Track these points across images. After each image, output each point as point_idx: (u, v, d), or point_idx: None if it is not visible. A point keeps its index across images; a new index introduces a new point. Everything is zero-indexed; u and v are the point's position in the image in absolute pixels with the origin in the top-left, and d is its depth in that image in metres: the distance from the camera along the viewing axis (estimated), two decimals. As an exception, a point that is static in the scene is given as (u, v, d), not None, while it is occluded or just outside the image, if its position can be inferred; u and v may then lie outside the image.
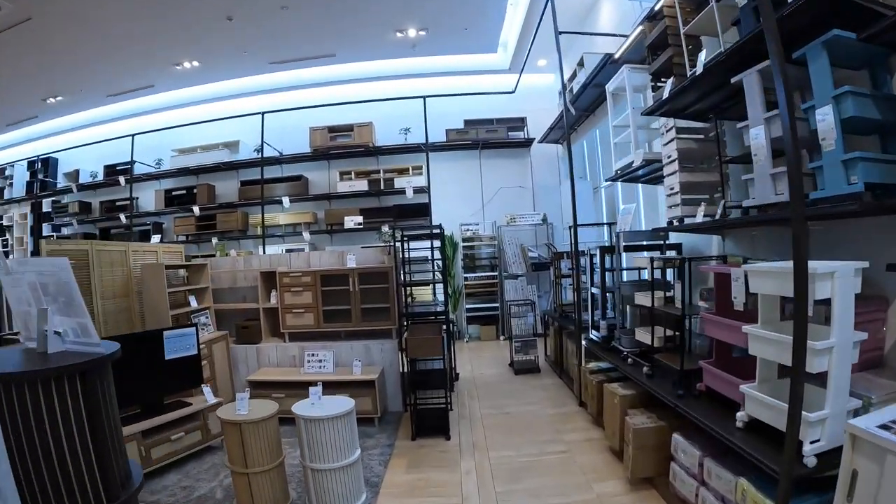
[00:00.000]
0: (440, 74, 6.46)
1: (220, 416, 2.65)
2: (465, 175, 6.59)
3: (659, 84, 2.76)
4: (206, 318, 4.48)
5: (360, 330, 4.18)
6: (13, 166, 8.42)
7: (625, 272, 3.44)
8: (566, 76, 4.42)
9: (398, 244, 4.17)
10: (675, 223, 2.62)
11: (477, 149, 6.51)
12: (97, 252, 3.78)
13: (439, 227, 3.97)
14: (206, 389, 3.58)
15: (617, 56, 3.54)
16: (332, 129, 6.21)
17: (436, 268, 4.45)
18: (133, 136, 7.02)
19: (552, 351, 4.94)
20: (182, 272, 4.64)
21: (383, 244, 4.55)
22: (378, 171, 6.21)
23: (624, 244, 3.25)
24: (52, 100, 6.89)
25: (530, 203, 6.55)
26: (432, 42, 5.85)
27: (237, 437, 2.53)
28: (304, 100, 6.52)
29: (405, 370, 3.86)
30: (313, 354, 4.09)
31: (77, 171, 7.75)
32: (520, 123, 6.42)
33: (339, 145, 6.23)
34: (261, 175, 6.28)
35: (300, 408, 2.57)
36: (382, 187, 6.18)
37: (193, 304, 4.38)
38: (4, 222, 8.74)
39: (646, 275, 3.02)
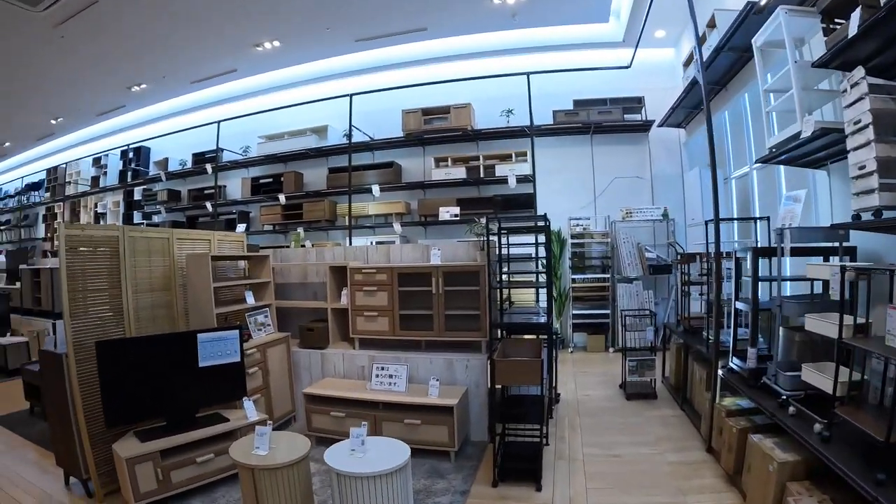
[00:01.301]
0: (545, 49, 6.84)
1: (234, 455, 2.60)
2: (574, 163, 6.89)
3: (832, 26, 2.55)
4: (266, 316, 4.67)
5: (442, 341, 4.16)
6: (107, 156, 10.22)
7: (787, 283, 3.13)
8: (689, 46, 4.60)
9: (494, 238, 4.12)
10: (870, 216, 2.22)
11: (588, 133, 6.80)
12: (130, 238, 3.90)
13: (544, 217, 3.91)
14: (248, 403, 3.65)
15: (764, 1, 3.45)
16: (426, 112, 6.88)
17: (539, 267, 4.51)
18: (218, 122, 8.32)
19: (672, 373, 4.91)
20: (242, 264, 4.95)
21: (476, 237, 4.50)
22: (477, 158, 6.76)
23: (791, 245, 2.85)
24: (136, 88, 8.36)
25: (648, 195, 6.74)
26: (534, 10, 6.18)
27: (250, 486, 2.42)
28: (395, 80, 7.27)
29: (493, 394, 3.66)
30: (383, 368, 4.13)
31: (166, 160, 9.28)
32: (636, 104, 6.64)
33: (435, 129, 6.87)
34: (348, 161, 7.13)
35: (336, 456, 2.47)
36: (482, 175, 6.69)
37: (250, 300, 4.60)
38: (99, 210, 10.62)
39: (818, 288, 2.76)
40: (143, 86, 8.26)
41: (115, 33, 6.41)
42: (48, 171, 12.06)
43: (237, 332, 3.73)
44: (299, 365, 4.64)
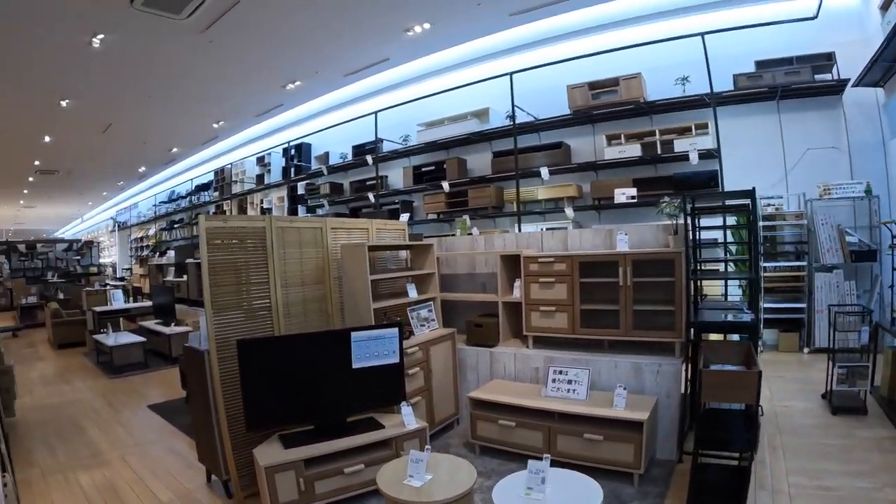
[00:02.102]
0: (719, 5, 6.90)
1: (382, 484, 2.68)
2: (759, 133, 6.77)
3: None
4: (430, 311, 4.80)
5: (628, 341, 4.12)
6: (270, 154, 11.98)
7: None
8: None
9: (687, 220, 3.91)
10: None
11: (773, 98, 6.64)
12: (278, 230, 4.06)
13: (750, 192, 3.75)
14: (406, 409, 3.70)
15: None
16: (593, 86, 7.21)
17: (728, 254, 4.53)
18: (376, 113, 9.50)
19: (884, 383, 4.60)
20: (404, 254, 5.14)
21: (668, 219, 4.26)
22: (653, 133, 6.92)
23: None
24: (291, 85, 9.71)
25: (846, 169, 6.42)
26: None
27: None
28: (556, 55, 7.77)
29: (688, 409, 3.57)
30: (561, 371, 4.07)
31: (327, 154, 10.73)
32: (826, 62, 6.31)
33: (603, 104, 7.16)
34: (514, 144, 7.82)
35: (508, 495, 2.46)
36: (659, 152, 6.82)
37: (412, 293, 4.70)
38: (265, 205, 12.50)
39: None
40: (298, 83, 9.56)
41: (262, 32, 7.34)
42: (216, 172, 14.35)
43: (396, 330, 3.82)
44: (465, 364, 4.75)
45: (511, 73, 7.80)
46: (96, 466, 4.82)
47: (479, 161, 8.76)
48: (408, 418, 3.67)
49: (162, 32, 7.06)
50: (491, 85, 8.19)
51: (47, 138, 12.50)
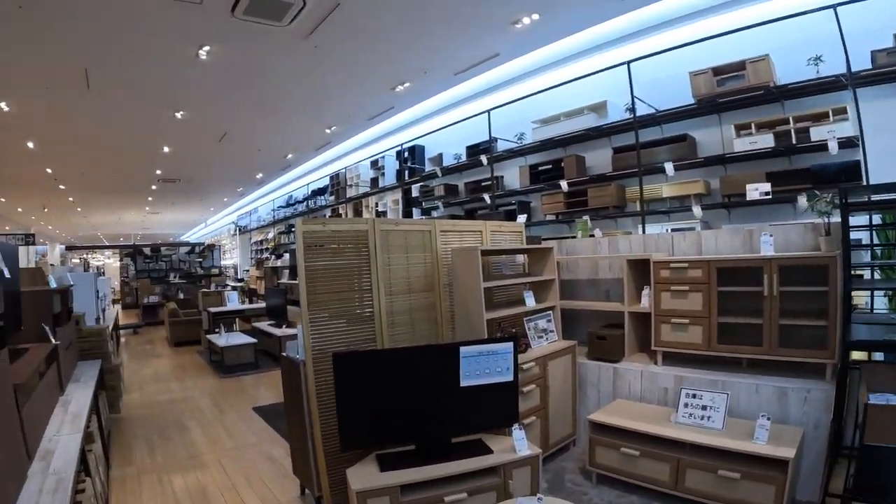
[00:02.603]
0: None
1: None
2: None
3: None
4: (549, 321, 4.80)
5: (772, 360, 3.90)
6: (384, 157, 12.76)
7: None
8: None
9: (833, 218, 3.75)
10: None
11: None
12: (382, 233, 4.09)
13: None
14: (518, 434, 3.59)
15: None
16: (717, 72, 7.09)
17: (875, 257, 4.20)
18: (489, 111, 9.90)
19: None
20: (521, 259, 5.17)
21: (819, 216, 4.00)
22: (786, 121, 6.71)
23: None
24: (400, 87, 10.22)
25: None
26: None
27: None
28: (675, 39, 7.72)
29: (847, 449, 3.26)
30: (695, 395, 3.92)
31: (440, 155, 11.28)
32: None
33: (729, 91, 7.02)
34: (635, 138, 7.88)
35: None
36: (794, 142, 6.59)
37: (530, 302, 4.69)
38: (379, 208, 13.31)
39: None
40: (407, 84, 10.06)
41: (366, 34, 7.77)
42: (331, 176, 15.41)
43: (511, 345, 3.73)
44: (585, 380, 4.73)
45: (628, 62, 7.84)
46: (191, 469, 5.29)
47: (599, 158, 8.90)
48: (519, 443, 3.53)
49: (266, 40, 7.69)
50: (607, 76, 8.29)
51: (166, 149, 13.99)
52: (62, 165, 15.60)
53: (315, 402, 3.74)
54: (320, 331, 3.84)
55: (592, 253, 5.43)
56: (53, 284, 5.05)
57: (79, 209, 25.81)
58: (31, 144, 12.87)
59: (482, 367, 3.65)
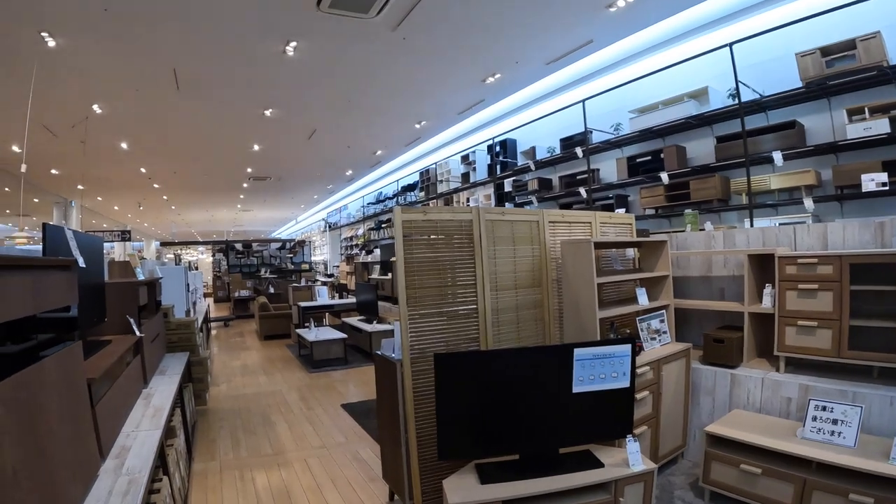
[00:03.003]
0: None
1: None
2: None
3: None
4: (662, 321, 4.66)
5: None
6: (474, 152, 13.08)
7: None
8: None
9: None
10: None
11: None
12: (488, 223, 3.96)
13: None
14: (633, 446, 3.39)
15: None
16: (825, 52, 6.87)
17: None
18: (583, 101, 9.98)
19: None
20: (631, 253, 5.12)
21: None
22: None
23: None
24: (491, 79, 10.41)
25: None
26: None
27: None
28: (780, 17, 7.56)
29: None
30: (825, 408, 3.67)
31: (533, 149, 11.47)
32: None
33: (839, 72, 6.77)
34: (741, 126, 7.74)
35: None
36: None
37: (642, 300, 4.59)
38: (471, 203, 13.65)
39: None
40: (498, 76, 10.24)
41: (454, 25, 7.95)
42: (421, 172, 15.85)
43: (629, 348, 3.52)
44: (699, 387, 4.54)
45: (730, 44, 7.72)
46: (275, 467, 5.35)
47: (700, 148, 8.82)
48: (633, 457, 3.33)
49: (353, 34, 8.01)
50: (708, 60, 8.21)
51: (256, 147, 14.81)
52: (155, 165, 16.78)
53: (411, 405, 3.63)
54: (419, 328, 3.74)
55: (706, 247, 5.25)
56: (141, 276, 5.38)
57: (173, 207, 27.56)
58: (124, 145, 13.95)
59: (597, 371, 3.46)
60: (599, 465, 3.37)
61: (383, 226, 19.37)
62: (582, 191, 10.26)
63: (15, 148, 12.01)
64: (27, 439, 1.77)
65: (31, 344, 2.17)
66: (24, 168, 9.67)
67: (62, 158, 14.92)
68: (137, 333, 4.24)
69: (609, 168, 10.20)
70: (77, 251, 2.93)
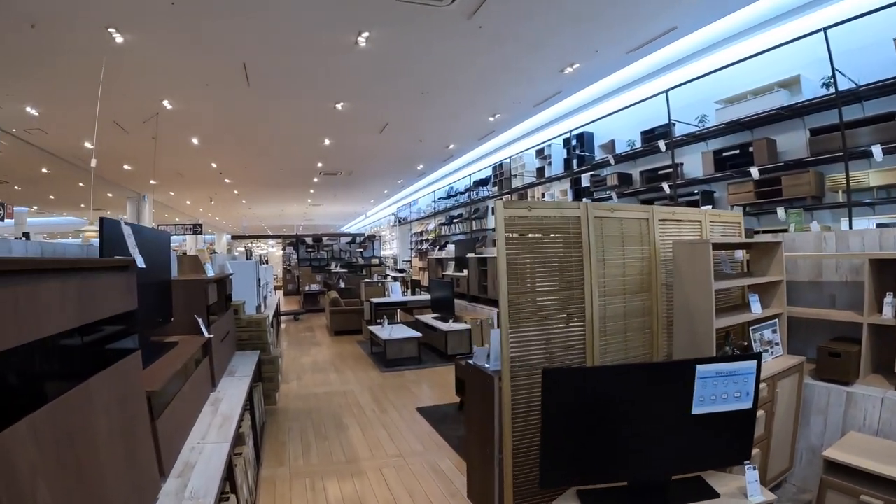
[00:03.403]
0: None
1: None
2: None
3: None
4: (775, 331, 4.44)
5: None
6: (550, 145, 13.06)
7: None
8: None
9: None
10: None
11: None
12: (596, 221, 3.75)
13: None
14: (752, 473, 3.14)
15: None
16: None
17: None
18: (666, 92, 9.85)
19: None
20: (739, 255, 4.83)
21: None
22: None
23: None
24: (569, 69, 10.34)
25: None
26: None
27: None
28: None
29: None
30: None
31: (612, 142, 11.38)
32: None
33: None
34: (839, 117, 7.46)
35: None
36: None
37: (756, 308, 4.29)
38: (547, 199, 13.64)
39: None
40: (576, 65, 10.18)
41: (532, 11, 7.89)
42: (494, 167, 15.93)
43: (754, 364, 3.22)
44: (810, 405, 4.30)
45: (825, 29, 7.47)
46: (349, 476, 5.22)
47: (792, 141, 8.56)
48: (752, 486, 3.07)
49: (427, 23, 8.06)
50: (799, 47, 7.95)
51: (327, 141, 15.18)
52: (226, 160, 17.38)
53: (509, 424, 3.41)
54: (519, 337, 3.54)
55: (815, 250, 4.93)
56: (211, 273, 5.25)
57: (243, 201, 28.38)
58: (195, 140, 14.49)
59: (719, 390, 3.15)
60: (714, 494, 3.11)
61: (455, 221, 19.52)
62: (665, 186, 10.11)
63: (87, 144, 12.60)
64: (69, 474, 1.59)
65: (79, 357, 1.91)
66: (93, 163, 10.16)
67: (134, 154, 15.65)
68: (206, 334, 4.17)
69: (693, 162, 10.02)
70: (135, 249, 2.70)
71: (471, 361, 4.26)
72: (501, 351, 3.49)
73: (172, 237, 28.74)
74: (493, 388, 3.70)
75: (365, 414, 7.31)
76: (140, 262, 2.54)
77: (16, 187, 20.15)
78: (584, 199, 12.03)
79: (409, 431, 6.55)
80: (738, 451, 3.31)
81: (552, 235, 3.77)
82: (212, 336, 4.28)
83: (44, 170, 17.01)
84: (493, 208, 16.52)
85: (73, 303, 1.72)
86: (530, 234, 3.75)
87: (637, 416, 3.15)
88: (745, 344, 4.13)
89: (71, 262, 1.79)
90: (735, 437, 3.28)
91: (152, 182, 18.66)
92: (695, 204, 9.52)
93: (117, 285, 2.19)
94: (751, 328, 4.28)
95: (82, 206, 26.34)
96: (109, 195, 22.71)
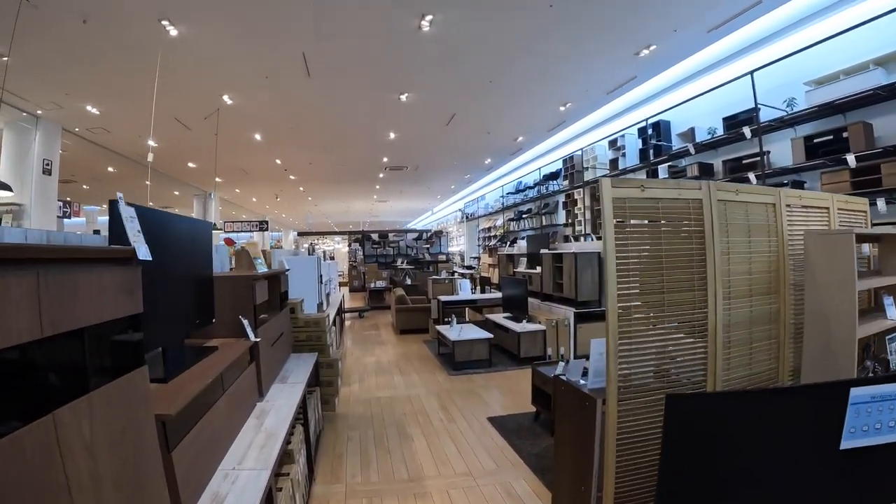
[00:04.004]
0: None
1: None
2: None
3: None
4: None
5: None
6: (623, 136, 12.64)
7: None
8: None
9: None
10: None
11: None
12: (719, 205, 3.28)
13: None
14: None
15: None
16: None
17: None
18: (751, 73, 9.35)
19: None
20: (866, 249, 4.42)
21: None
22: None
23: None
24: (645, 51, 9.94)
25: None
26: None
27: None
28: None
29: None
30: None
31: (692, 130, 10.92)
32: None
33: None
34: None
35: None
36: None
37: (891, 313, 3.76)
38: (619, 195, 13.27)
39: None
40: (653, 47, 9.79)
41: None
42: (564, 160, 15.62)
43: None
44: None
45: None
46: (412, 498, 4.80)
47: (891, 124, 8.04)
48: None
49: (494, 3, 7.82)
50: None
51: (392, 135, 15.10)
52: (289, 156, 17.51)
53: (613, 457, 2.95)
54: (629, 350, 3.05)
55: None
56: (262, 269, 4.79)
57: (309, 198, 28.72)
58: (257, 136, 14.57)
59: (873, 419, 2.48)
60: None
61: (524, 216, 19.23)
62: (751, 176, 9.59)
63: (151, 142, 12.79)
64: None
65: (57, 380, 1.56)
66: (150, 157, 10.21)
67: (197, 151, 15.93)
68: (252, 338, 3.90)
69: (781, 150, 9.49)
70: (138, 236, 2.23)
71: (562, 375, 3.77)
72: (608, 367, 2.94)
73: (239, 234, 29.21)
74: (595, 412, 3.18)
75: (431, 423, 6.90)
76: (143, 254, 2.09)
77: (84, 186, 20.71)
78: (704, 179, 11.60)
79: (480, 445, 6.09)
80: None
81: (663, 222, 3.20)
82: (258, 339, 4.01)
83: (110, 168, 17.48)
84: (562, 202, 16.29)
85: (27, 307, 1.34)
86: (641, 220, 3.20)
87: (774, 451, 2.51)
88: (887, 358, 3.58)
89: (19, 248, 1.39)
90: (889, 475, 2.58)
91: (217, 179, 18.91)
92: (783, 195, 8.96)
93: (109, 283, 1.78)
94: (887, 338, 3.73)
95: (150, 204, 27.04)
96: (176, 193, 23.22)
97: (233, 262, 5.16)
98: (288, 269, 6.36)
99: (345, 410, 7.37)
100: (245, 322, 3.91)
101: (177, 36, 8.20)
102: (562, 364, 4.96)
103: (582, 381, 3.52)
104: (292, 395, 4.28)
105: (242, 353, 3.62)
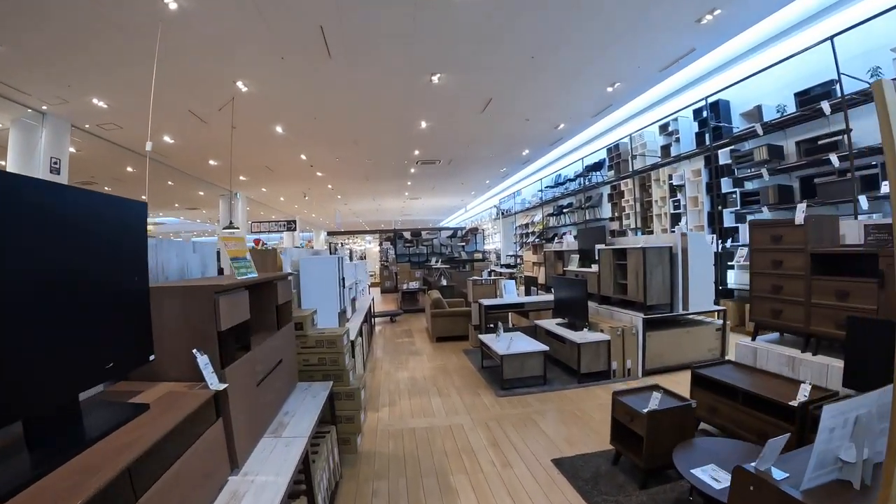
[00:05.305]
0: None
1: None
2: None
3: None
4: None
5: None
6: (676, 119, 11.59)
7: None
8: None
9: None
10: None
11: None
12: None
13: None
14: None
15: None
16: None
17: None
18: (831, 38, 8.27)
19: None
20: None
21: None
22: None
23: None
24: (708, 17, 8.73)
25: None
26: None
27: None
28: None
29: None
30: None
31: (758, 109, 9.87)
32: None
33: None
34: None
35: None
36: None
37: None
38: (675, 182, 12.16)
39: None
40: (717, 12, 8.58)
41: None
42: (609, 149, 14.71)
43: None
44: None
45: None
46: None
47: None
48: None
49: None
50: None
51: (423, 124, 14.22)
52: (314, 150, 16.79)
53: None
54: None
55: None
56: (250, 273, 3.47)
57: (338, 196, 28.07)
58: (278, 129, 13.76)
59: None
60: None
61: (565, 211, 18.28)
62: (833, 158, 8.53)
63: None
64: None
65: None
66: (149, 146, 9.15)
67: (216, 147, 15.23)
68: (210, 385, 2.58)
69: (866, 128, 8.41)
70: None
71: (752, 468, 2.36)
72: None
73: (268, 235, 28.42)
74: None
75: (481, 468, 5.12)
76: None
77: (105, 188, 20.15)
78: (724, 180, 10.53)
79: (545, 501, 4.40)
80: None
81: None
82: (225, 386, 2.66)
83: (129, 168, 16.89)
84: (607, 195, 15.26)
85: None
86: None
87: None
88: None
89: None
90: None
91: (242, 178, 18.22)
92: (872, 180, 7.98)
93: None
94: None
95: (176, 205, 26.56)
96: (201, 193, 22.70)
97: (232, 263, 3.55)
98: (292, 273, 5.33)
99: (370, 447, 5.78)
100: (200, 360, 2.61)
101: (176, 9, 7.35)
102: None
103: (782, 476, 2.24)
104: (287, 459, 2.97)
105: (198, 409, 2.38)
